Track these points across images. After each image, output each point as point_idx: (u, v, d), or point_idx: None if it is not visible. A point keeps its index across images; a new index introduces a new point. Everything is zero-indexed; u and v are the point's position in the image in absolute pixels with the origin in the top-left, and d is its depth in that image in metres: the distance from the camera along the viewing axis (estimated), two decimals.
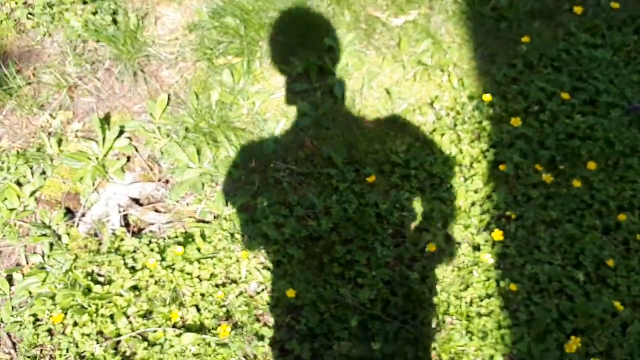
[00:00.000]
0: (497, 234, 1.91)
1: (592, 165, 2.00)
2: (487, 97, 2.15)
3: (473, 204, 2.02)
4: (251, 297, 1.90)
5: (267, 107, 2.28)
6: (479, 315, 1.82)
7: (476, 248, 1.95)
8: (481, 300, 1.85)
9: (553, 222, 1.96)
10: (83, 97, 2.36)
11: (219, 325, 1.82)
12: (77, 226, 2.09)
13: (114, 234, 2.06)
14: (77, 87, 2.38)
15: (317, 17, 2.39)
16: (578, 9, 2.34)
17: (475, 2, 2.43)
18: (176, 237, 2.04)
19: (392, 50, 2.36)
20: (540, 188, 2.02)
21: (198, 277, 1.93)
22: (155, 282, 1.93)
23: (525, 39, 2.29)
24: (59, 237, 2.06)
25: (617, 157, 2.05)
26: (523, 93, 2.21)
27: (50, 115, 2.31)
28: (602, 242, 1.91)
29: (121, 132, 2.23)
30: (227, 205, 2.07)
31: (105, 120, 2.27)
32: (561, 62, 2.26)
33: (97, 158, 2.18)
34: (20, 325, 1.91)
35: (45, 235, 2.05)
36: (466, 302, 1.85)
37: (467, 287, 1.88)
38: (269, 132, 2.20)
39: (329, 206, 2.03)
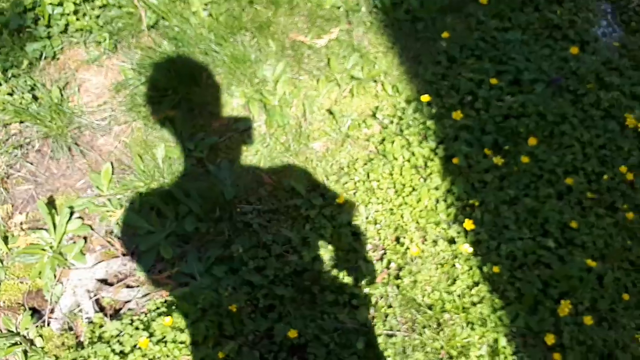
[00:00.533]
0: (468, 223, 2.00)
1: (532, 140, 2.15)
2: (425, 97, 2.25)
3: (437, 200, 2.11)
4: (251, 348, 1.87)
5: (216, 152, 2.25)
6: (473, 304, 1.90)
7: (451, 241, 2.03)
8: (471, 290, 1.93)
9: (512, 200, 2.08)
10: (19, 186, 2.21)
11: None
12: (49, 325, 1.96)
13: (90, 322, 1.95)
14: (9, 176, 2.22)
15: (244, 52, 2.38)
16: None
17: (388, 9, 2.53)
18: (157, 308, 1.96)
19: (323, 71, 2.41)
20: (493, 171, 2.14)
21: (193, 343, 1.86)
22: None
23: (445, 34, 2.42)
24: (32, 342, 1.92)
25: (551, 127, 2.21)
26: (454, 87, 2.33)
27: None
28: (560, 207, 2.05)
29: (71, 214, 2.11)
30: (201, 261, 2.02)
31: (50, 204, 2.14)
32: (480, 51, 2.41)
33: (51, 247, 2.05)
34: None
35: (16, 344, 1.90)
36: (458, 295, 1.92)
37: (454, 280, 1.95)
38: (225, 178, 2.17)
39: (305, 237, 2.03)
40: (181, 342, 1.85)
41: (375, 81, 2.37)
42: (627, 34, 2.51)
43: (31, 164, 2.26)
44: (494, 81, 2.28)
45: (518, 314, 1.87)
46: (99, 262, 2.07)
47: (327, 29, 2.49)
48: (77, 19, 2.50)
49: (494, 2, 2.53)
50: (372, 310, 1.91)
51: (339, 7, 2.55)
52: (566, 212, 2.04)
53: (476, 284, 1.94)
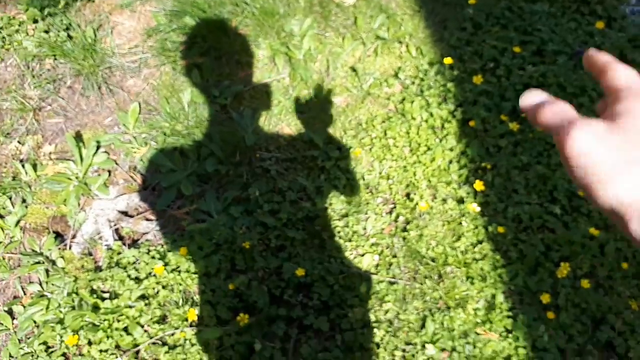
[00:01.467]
0: (478, 185, 2.06)
1: None
2: (448, 60, 2.29)
3: (451, 161, 2.16)
4: (260, 282, 1.96)
5: (240, 100, 2.32)
6: (475, 260, 1.96)
7: (460, 201, 2.08)
8: (474, 247, 1.99)
9: (524, 166, 2.13)
10: (50, 119, 2.31)
11: (237, 315, 1.87)
12: (70, 248, 2.07)
13: (109, 249, 2.06)
14: (41, 109, 2.33)
15: (274, 6, 2.43)
16: None
17: None
18: (174, 241, 2.06)
19: (350, 30, 2.45)
20: (508, 137, 2.18)
21: (205, 274, 1.96)
22: (164, 287, 1.95)
23: (472, 1, 2.44)
24: (54, 262, 2.03)
25: (570, 99, 2.23)
26: (477, 53, 2.36)
27: (19, 142, 2.25)
28: (570, 177, 2.09)
29: (97, 148, 2.21)
30: (219, 201, 2.11)
31: (78, 138, 2.24)
32: (506, 20, 2.43)
33: (77, 177, 2.16)
34: (32, 356, 1.88)
35: (39, 262, 2.02)
36: (461, 251, 1.98)
37: (459, 237, 2.02)
38: (247, 125, 2.25)
39: (319, 186, 2.11)
40: (194, 273, 1.95)
41: (400, 42, 2.41)
42: None
43: (62, 98, 2.36)
44: (517, 50, 2.30)
45: (518, 273, 1.93)
46: (121, 194, 2.17)
47: None
48: None
49: None
50: (377, 258, 1.98)
51: None
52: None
53: (480, 242, 2.00)
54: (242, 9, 2.43)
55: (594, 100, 2.20)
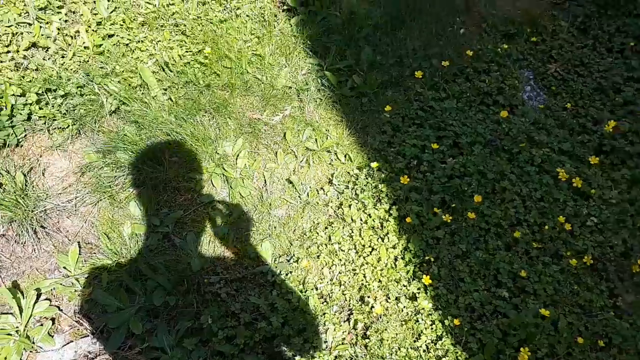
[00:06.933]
0: (426, 279, 2.13)
1: (477, 198, 2.34)
2: (375, 164, 2.44)
3: (396, 258, 2.24)
4: None
5: (182, 226, 2.32)
6: (439, 358, 1.99)
7: (413, 298, 2.14)
8: (435, 344, 2.02)
9: (465, 253, 2.24)
10: None
11: None
12: None
13: None
14: None
15: (204, 131, 2.53)
16: (418, 74, 2.78)
17: (334, 86, 2.76)
18: None
19: (280, 145, 2.57)
20: (444, 228, 2.30)
21: None
22: None
23: (388, 107, 2.66)
24: None
25: (492, 184, 2.42)
26: (400, 153, 2.54)
27: None
28: (509, 258, 2.21)
29: (38, 296, 2.10)
30: (171, 334, 2.04)
31: (16, 288, 2.13)
32: (420, 119, 2.65)
33: (17, 331, 2.03)
34: None
35: None
36: (424, 350, 2.01)
37: (419, 336, 2.05)
38: (191, 250, 2.24)
39: (272, 303, 2.10)
40: None
41: (329, 151, 2.55)
42: (550, 97, 2.82)
43: None
44: (435, 146, 2.50)
45: None
46: (68, 343, 2.05)
47: (280, 106, 2.69)
48: (40, 108, 2.60)
49: (429, 76, 2.81)
50: None
51: (289, 87, 2.77)
52: (515, 262, 2.20)
53: (440, 337, 2.04)
54: (174, 137, 2.51)
55: (514, 183, 2.40)
